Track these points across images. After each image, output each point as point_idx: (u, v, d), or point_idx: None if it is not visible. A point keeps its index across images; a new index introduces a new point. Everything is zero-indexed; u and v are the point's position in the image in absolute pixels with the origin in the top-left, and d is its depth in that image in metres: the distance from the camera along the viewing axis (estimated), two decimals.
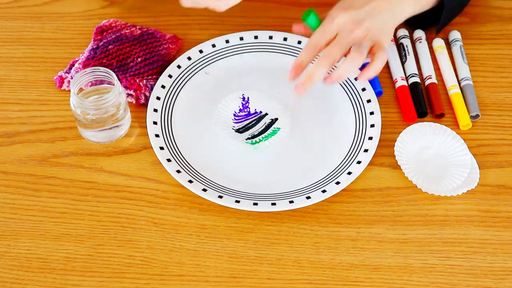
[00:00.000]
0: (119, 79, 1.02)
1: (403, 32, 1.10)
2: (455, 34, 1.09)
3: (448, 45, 1.09)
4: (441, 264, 0.90)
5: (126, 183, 0.96)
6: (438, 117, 1.02)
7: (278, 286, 0.89)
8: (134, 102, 1.03)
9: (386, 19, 0.98)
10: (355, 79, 1.03)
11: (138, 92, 1.02)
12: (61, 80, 1.05)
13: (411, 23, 1.09)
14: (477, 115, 1.02)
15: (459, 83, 1.05)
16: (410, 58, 1.07)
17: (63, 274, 0.89)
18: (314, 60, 1.01)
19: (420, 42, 1.08)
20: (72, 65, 1.06)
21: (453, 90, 1.03)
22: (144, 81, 1.03)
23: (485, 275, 0.89)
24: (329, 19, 0.98)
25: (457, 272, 0.89)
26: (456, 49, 1.08)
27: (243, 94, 1.02)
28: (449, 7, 1.03)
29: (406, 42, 1.08)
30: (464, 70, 1.05)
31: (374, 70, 0.97)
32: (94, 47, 1.06)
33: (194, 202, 0.95)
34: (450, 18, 1.08)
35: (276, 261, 0.90)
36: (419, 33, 1.09)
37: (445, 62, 1.06)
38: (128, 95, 1.03)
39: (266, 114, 1.02)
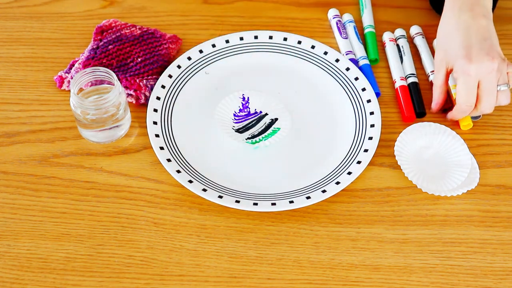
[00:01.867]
0: (119, 79, 1.02)
1: (400, 32, 1.10)
2: (415, 29, 1.09)
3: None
4: (441, 264, 0.90)
5: (126, 183, 0.96)
6: (446, 111, 1.02)
7: (278, 286, 0.89)
8: (134, 102, 1.03)
9: (491, 32, 0.98)
10: None
11: (138, 92, 1.02)
12: (61, 80, 1.05)
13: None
14: (479, 116, 1.02)
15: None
16: (407, 58, 1.07)
17: (63, 274, 0.89)
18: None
19: (422, 36, 1.08)
20: (72, 65, 1.06)
21: (454, 90, 1.03)
22: (144, 81, 1.03)
23: (485, 275, 0.89)
24: (463, 75, 0.95)
25: (457, 272, 0.89)
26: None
27: (243, 94, 1.02)
28: None
29: (402, 42, 1.08)
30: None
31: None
32: (94, 47, 1.06)
33: (194, 202, 0.95)
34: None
35: (276, 261, 0.90)
36: (416, 29, 1.09)
37: None
38: (128, 95, 1.03)
39: (266, 114, 1.02)
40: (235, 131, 1.00)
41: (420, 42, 1.08)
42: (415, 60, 1.08)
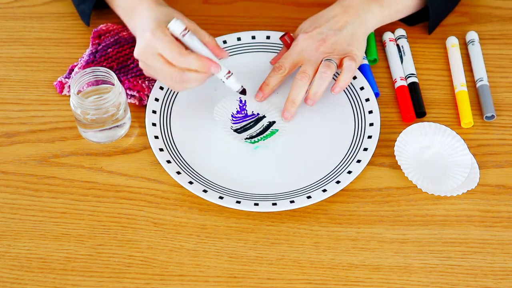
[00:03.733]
0: (120, 81, 1.02)
1: (400, 32, 1.10)
2: (472, 35, 1.09)
3: (465, 45, 1.09)
4: (441, 264, 0.90)
5: (126, 183, 0.96)
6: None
7: (278, 286, 0.89)
8: (137, 103, 1.03)
9: (352, 31, 1.01)
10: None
11: (141, 93, 1.02)
12: (61, 85, 1.04)
13: (412, 21, 1.09)
14: (493, 116, 1.01)
15: (475, 83, 1.04)
16: (407, 58, 1.07)
17: (63, 274, 0.89)
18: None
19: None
20: (72, 69, 1.06)
21: (459, 88, 1.03)
22: (146, 82, 1.03)
23: (485, 275, 0.89)
24: (295, 42, 1.02)
25: (457, 272, 0.89)
26: (473, 49, 1.07)
27: (240, 97, 1.02)
28: (434, 8, 1.05)
29: (402, 42, 1.08)
30: (480, 71, 1.05)
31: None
32: (93, 51, 1.06)
33: (194, 202, 0.95)
34: (442, 17, 1.09)
35: (276, 261, 0.90)
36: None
37: (455, 60, 1.06)
38: (131, 96, 1.03)
39: (264, 116, 1.02)
40: (234, 131, 1.00)
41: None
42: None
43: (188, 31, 0.94)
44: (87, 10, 1.06)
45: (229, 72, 0.98)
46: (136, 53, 0.96)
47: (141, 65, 0.98)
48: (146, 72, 0.98)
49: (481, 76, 1.04)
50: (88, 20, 1.08)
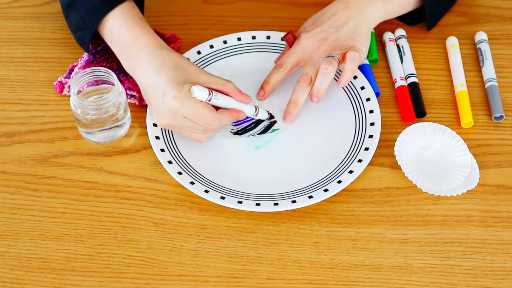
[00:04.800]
0: (120, 81, 1.02)
1: (400, 32, 1.10)
2: (481, 35, 1.09)
3: (474, 45, 1.09)
4: (441, 264, 0.90)
5: (126, 183, 0.96)
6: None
7: (278, 286, 0.89)
8: (137, 103, 1.03)
9: (353, 27, 1.00)
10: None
11: (141, 93, 1.02)
12: (61, 85, 1.04)
13: (411, 20, 1.09)
14: (501, 116, 1.01)
15: (484, 83, 1.04)
16: (407, 58, 1.07)
17: (63, 274, 0.89)
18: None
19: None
20: (72, 70, 1.06)
21: (459, 88, 1.03)
22: None
23: (485, 275, 0.89)
24: (297, 41, 1.02)
25: (457, 272, 0.89)
26: (482, 49, 1.07)
27: None
28: (430, 3, 1.05)
29: (402, 42, 1.08)
30: (489, 71, 1.05)
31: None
32: (93, 51, 1.06)
33: (194, 202, 0.95)
34: (441, 13, 1.09)
35: (276, 261, 0.90)
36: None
37: (455, 60, 1.06)
38: (131, 96, 1.03)
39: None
40: (233, 134, 1.00)
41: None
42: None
43: (212, 94, 0.93)
44: (86, 38, 1.01)
45: (256, 109, 0.98)
46: (160, 120, 0.94)
47: (161, 126, 0.96)
48: (164, 127, 0.97)
49: (491, 77, 1.04)
50: (88, 48, 1.03)
